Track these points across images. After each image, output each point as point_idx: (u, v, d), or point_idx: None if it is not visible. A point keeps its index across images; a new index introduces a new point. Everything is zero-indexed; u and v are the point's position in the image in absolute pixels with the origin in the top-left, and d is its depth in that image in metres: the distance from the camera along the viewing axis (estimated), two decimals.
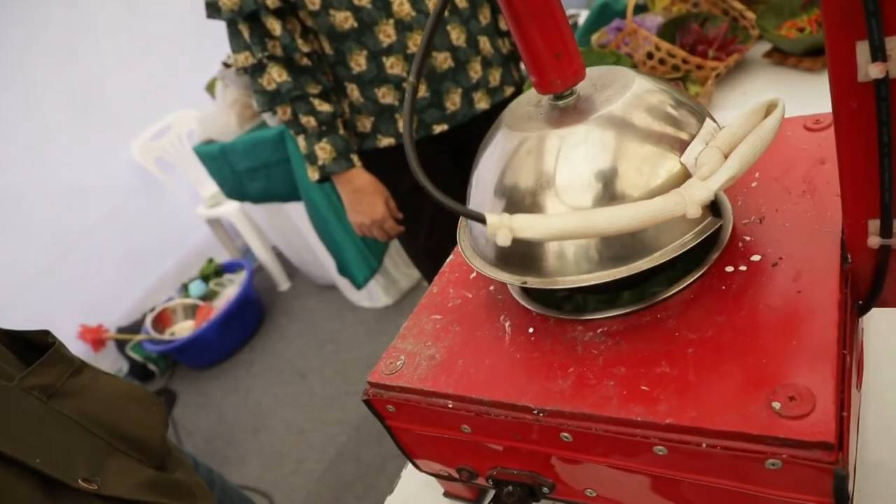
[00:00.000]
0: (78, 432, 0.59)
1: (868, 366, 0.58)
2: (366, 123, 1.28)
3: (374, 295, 2.68)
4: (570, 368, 0.46)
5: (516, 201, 0.47)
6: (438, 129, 1.28)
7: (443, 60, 1.22)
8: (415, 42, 1.20)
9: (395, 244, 2.49)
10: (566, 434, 0.45)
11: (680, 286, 0.48)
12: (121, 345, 3.04)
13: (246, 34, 1.17)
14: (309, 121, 1.22)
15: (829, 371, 0.37)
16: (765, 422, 0.37)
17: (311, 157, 1.26)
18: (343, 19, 1.16)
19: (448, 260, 0.65)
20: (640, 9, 1.46)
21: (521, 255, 0.48)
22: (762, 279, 0.46)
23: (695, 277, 0.48)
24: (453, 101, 1.26)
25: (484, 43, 1.26)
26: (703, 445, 0.39)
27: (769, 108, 0.45)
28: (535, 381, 0.46)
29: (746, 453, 0.37)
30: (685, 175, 0.45)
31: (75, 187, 2.97)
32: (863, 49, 0.33)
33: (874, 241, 0.41)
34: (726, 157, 0.43)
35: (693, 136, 0.46)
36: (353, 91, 1.24)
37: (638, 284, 0.52)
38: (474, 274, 0.60)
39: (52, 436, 0.60)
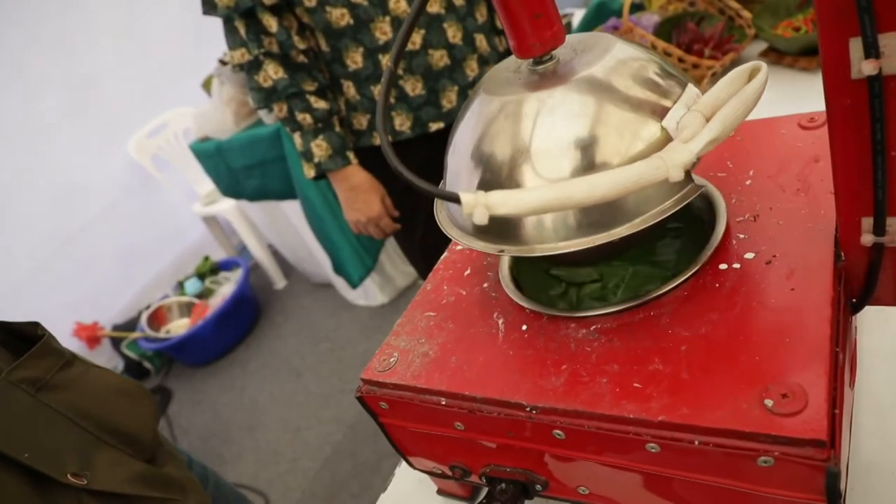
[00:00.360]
0: (67, 426, 0.59)
1: (861, 364, 0.58)
2: (362, 121, 1.28)
3: (370, 293, 2.68)
4: (564, 366, 0.46)
5: (493, 168, 0.46)
6: (435, 126, 1.27)
7: (439, 58, 1.22)
8: (412, 40, 1.20)
9: (392, 242, 2.49)
10: (559, 431, 0.45)
11: (674, 283, 0.47)
12: (116, 342, 3.04)
13: (242, 31, 1.17)
14: (305, 118, 1.22)
15: (822, 369, 0.37)
16: (757, 419, 0.36)
17: (307, 155, 1.26)
18: (339, 16, 1.16)
19: (443, 257, 0.64)
20: (637, 7, 1.46)
21: (499, 225, 0.47)
22: (756, 277, 0.45)
23: (688, 275, 0.48)
24: (449, 99, 1.26)
25: (480, 41, 1.26)
26: (696, 443, 0.39)
27: (752, 73, 0.43)
28: (528, 379, 0.46)
29: (739, 450, 0.37)
30: (666, 140, 0.43)
31: (71, 184, 2.96)
32: (856, 46, 0.33)
33: (867, 238, 0.41)
34: (709, 121, 0.42)
35: (675, 102, 0.45)
36: (350, 88, 1.24)
37: (619, 255, 0.51)
38: (468, 271, 0.60)
39: (41, 430, 0.59)
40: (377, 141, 1.28)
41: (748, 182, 0.55)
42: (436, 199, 0.56)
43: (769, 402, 0.37)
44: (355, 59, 1.20)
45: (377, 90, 1.23)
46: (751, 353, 0.40)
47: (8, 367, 0.62)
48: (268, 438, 2.34)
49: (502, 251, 0.46)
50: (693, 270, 0.48)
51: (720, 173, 0.57)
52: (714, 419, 0.38)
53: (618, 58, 0.46)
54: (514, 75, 0.49)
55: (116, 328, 3.07)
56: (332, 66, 1.23)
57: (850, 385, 0.49)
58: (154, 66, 3.22)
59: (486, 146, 0.47)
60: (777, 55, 1.16)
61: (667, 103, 0.44)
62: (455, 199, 0.39)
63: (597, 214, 0.44)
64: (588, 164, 0.43)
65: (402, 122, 1.27)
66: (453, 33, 1.22)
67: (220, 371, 2.86)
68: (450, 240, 0.66)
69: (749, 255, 0.47)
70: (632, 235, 0.44)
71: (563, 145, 0.43)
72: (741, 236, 0.50)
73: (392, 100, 1.24)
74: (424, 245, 1.46)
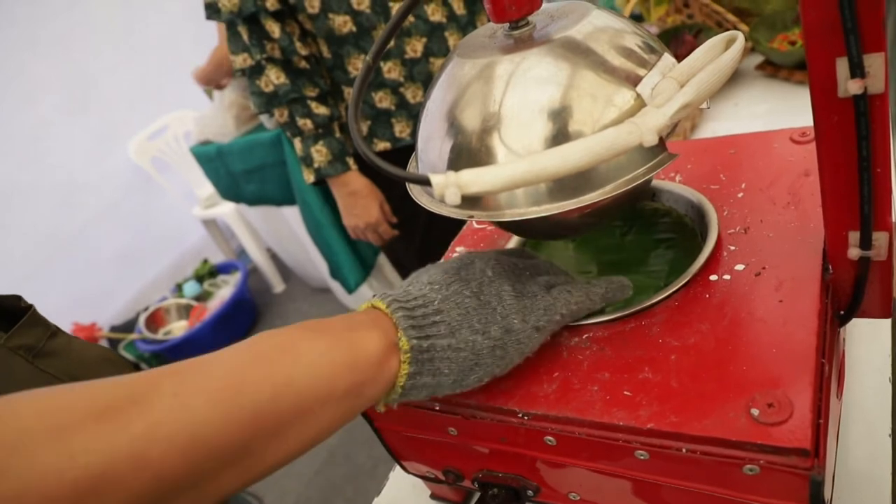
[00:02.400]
0: None
1: (851, 376, 0.59)
2: (362, 127, 1.29)
3: (368, 298, 2.68)
4: (556, 373, 0.47)
5: (465, 132, 0.45)
6: None
7: (441, 67, 1.23)
8: (413, 48, 1.21)
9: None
10: (550, 438, 0.45)
11: (665, 294, 0.48)
12: (114, 343, 3.03)
13: (245, 36, 1.18)
14: (306, 123, 1.23)
15: (808, 379, 0.38)
16: (743, 428, 0.37)
17: (307, 160, 1.27)
18: (342, 23, 1.17)
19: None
20: (635, 18, 1.47)
21: None
22: (745, 288, 0.46)
23: (679, 285, 0.49)
24: None
25: None
26: (683, 450, 0.39)
27: (728, 42, 0.43)
28: (521, 385, 0.47)
29: (725, 458, 0.38)
30: (640, 108, 0.42)
31: (71, 185, 2.97)
32: (842, 65, 0.34)
33: (854, 252, 0.42)
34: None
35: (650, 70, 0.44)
36: (351, 94, 1.25)
37: (593, 226, 0.52)
38: None
39: None
40: (377, 147, 1.29)
41: (740, 195, 0.56)
42: (408, 164, 0.55)
43: (755, 412, 0.38)
44: (357, 66, 1.21)
45: (378, 97, 1.24)
46: (739, 363, 0.41)
47: (4, 336, 0.63)
48: None
49: (472, 216, 0.45)
50: (684, 281, 0.49)
51: (713, 185, 0.58)
52: (701, 427, 0.38)
53: (595, 24, 0.45)
54: (488, 40, 0.48)
55: (114, 329, 3.07)
56: (333, 72, 1.24)
57: (838, 396, 0.50)
58: (155, 68, 3.23)
59: (457, 109, 0.46)
60: (773, 68, 1.17)
61: (642, 72, 0.44)
62: (425, 181, 0.38)
63: (568, 180, 0.42)
64: (560, 128, 0.42)
65: (402, 129, 1.28)
66: (454, 42, 1.23)
67: None
68: (447, 245, 0.67)
69: (739, 267, 0.48)
70: (606, 204, 0.43)
71: (535, 108, 0.43)
72: (732, 248, 0.50)
73: (392, 106, 1.25)
74: (422, 252, 1.47)
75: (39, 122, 2.84)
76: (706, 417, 0.39)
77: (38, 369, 0.63)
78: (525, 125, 0.43)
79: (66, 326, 2.76)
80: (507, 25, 0.47)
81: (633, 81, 0.43)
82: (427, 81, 1.24)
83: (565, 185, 0.43)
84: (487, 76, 0.45)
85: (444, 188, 0.38)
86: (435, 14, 1.21)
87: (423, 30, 1.21)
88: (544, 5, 0.48)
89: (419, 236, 1.45)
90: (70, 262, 2.97)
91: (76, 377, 0.64)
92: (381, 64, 1.21)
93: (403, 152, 1.29)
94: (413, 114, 1.26)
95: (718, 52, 0.43)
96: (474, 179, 0.38)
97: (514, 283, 0.47)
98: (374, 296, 0.45)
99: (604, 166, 0.42)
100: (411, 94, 1.25)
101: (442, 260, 0.65)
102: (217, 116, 2.31)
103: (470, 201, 0.45)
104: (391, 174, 0.40)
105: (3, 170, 2.74)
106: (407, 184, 0.52)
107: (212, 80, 2.04)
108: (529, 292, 0.47)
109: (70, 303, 2.93)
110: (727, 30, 1.26)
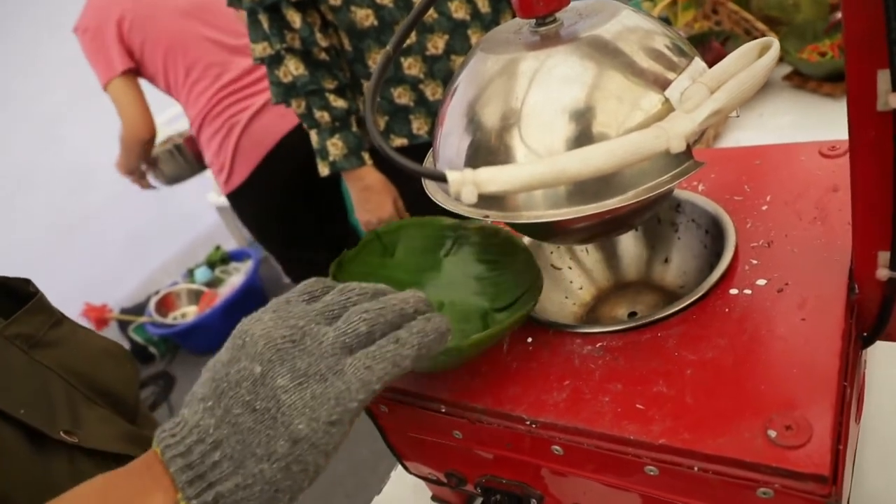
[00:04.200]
0: (58, 383, 0.58)
1: (869, 399, 0.57)
2: (379, 122, 1.28)
3: None
4: (566, 381, 0.46)
5: (485, 129, 0.44)
6: None
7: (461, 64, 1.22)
8: (434, 44, 1.20)
9: None
10: (557, 447, 0.44)
11: (682, 305, 0.47)
12: (123, 326, 3.05)
13: (265, 25, 1.17)
14: (323, 116, 1.22)
15: (829, 402, 0.37)
16: (759, 449, 0.36)
17: (323, 153, 1.26)
18: (364, 16, 1.16)
19: None
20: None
21: None
22: (766, 304, 0.45)
23: (697, 297, 0.47)
24: None
25: None
26: (695, 469, 0.38)
27: (763, 49, 0.41)
28: (530, 392, 0.46)
29: (738, 480, 0.37)
30: (668, 113, 0.40)
31: (86, 167, 2.98)
32: (884, 78, 0.32)
33: (883, 273, 0.40)
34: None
35: (680, 74, 0.43)
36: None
37: (611, 232, 0.50)
38: None
39: (34, 387, 0.59)
40: (394, 143, 1.28)
41: (764, 207, 0.54)
42: (424, 162, 0.54)
43: (772, 433, 0.36)
44: (377, 61, 1.20)
45: (397, 92, 1.23)
46: (757, 382, 0.40)
47: (2, 324, 0.62)
48: None
49: (487, 216, 0.44)
50: (702, 293, 0.47)
51: (736, 196, 0.57)
52: (715, 446, 0.37)
53: (624, 24, 0.43)
54: (514, 35, 0.47)
55: (125, 311, 3.09)
56: (353, 65, 1.23)
57: (856, 420, 0.49)
58: None
59: (478, 105, 0.45)
60: (801, 79, 1.15)
61: (671, 75, 0.42)
62: (441, 177, 0.37)
63: (589, 183, 0.41)
64: (583, 129, 0.41)
65: (419, 126, 1.27)
66: (477, 40, 1.22)
67: None
68: None
69: (761, 282, 0.47)
70: (626, 211, 0.42)
71: (558, 107, 0.41)
72: (754, 262, 0.49)
73: (411, 102, 1.24)
74: None
75: (55, 104, 2.85)
76: (721, 436, 0.38)
77: (34, 360, 0.62)
78: (547, 125, 0.41)
79: (78, 307, 2.78)
80: (533, 21, 0.46)
81: (662, 85, 0.41)
82: (447, 79, 1.22)
83: (585, 188, 0.41)
84: (511, 72, 0.43)
85: (460, 186, 0.36)
86: (458, 11, 1.19)
87: (445, 26, 1.19)
88: (573, 3, 0.47)
89: None
90: (83, 245, 2.99)
91: (73, 369, 0.64)
92: (402, 59, 1.20)
93: (420, 149, 1.28)
94: (432, 111, 1.25)
95: (752, 59, 0.41)
96: (492, 178, 0.36)
97: (292, 367, 0.37)
98: (160, 428, 0.38)
99: (627, 171, 0.40)
100: (430, 91, 1.23)
101: None
102: None
103: (486, 200, 0.44)
104: (407, 168, 0.39)
105: (18, 153, 2.76)
106: (423, 180, 0.51)
107: (132, 167, 1.87)
108: (315, 374, 0.37)
109: (82, 284, 2.94)
110: (755, 38, 1.25)
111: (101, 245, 3.06)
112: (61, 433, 0.58)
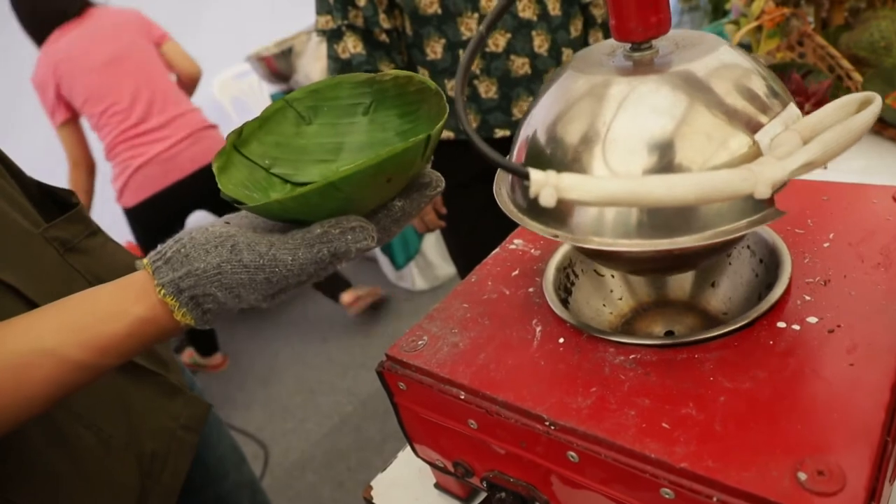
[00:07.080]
0: (83, 287, 0.60)
1: None
2: None
3: (410, 277, 2.68)
4: (593, 388, 0.44)
5: (564, 147, 0.44)
6: (500, 133, 1.25)
7: (520, 65, 1.20)
8: (495, 42, 1.18)
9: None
10: (573, 453, 0.43)
11: (726, 329, 0.45)
12: None
13: None
14: None
15: (868, 454, 0.35)
16: (786, 490, 0.34)
17: None
18: (428, 3, 1.15)
19: (493, 252, 0.63)
20: (744, 48, 1.41)
21: (557, 206, 0.42)
22: (814, 343, 0.43)
23: (742, 323, 0.45)
24: (521, 109, 1.23)
25: (568, 55, 1.23)
26: (714, 499, 0.36)
27: (863, 104, 0.40)
28: (554, 393, 0.45)
29: None
30: (754, 157, 0.39)
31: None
32: None
33: None
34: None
35: (773, 119, 0.42)
36: (424, 76, 1.23)
37: (678, 269, 0.48)
38: (517, 272, 0.59)
39: (62, 286, 0.62)
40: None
41: (826, 245, 0.52)
42: (497, 172, 0.53)
43: (802, 476, 0.34)
44: (435, 50, 1.19)
45: (450, 85, 1.22)
46: (793, 420, 0.38)
47: (44, 226, 0.66)
48: (280, 394, 2.37)
49: (556, 236, 0.44)
50: (748, 321, 0.45)
51: (798, 229, 0.54)
52: (739, 479, 0.36)
53: (721, 60, 0.43)
54: (606, 57, 0.46)
55: None
56: (411, 50, 1.22)
57: (891, 481, 0.46)
58: (248, 10, 3.29)
59: (561, 122, 0.44)
60: (881, 125, 1.10)
61: (763, 119, 0.41)
62: (524, 174, 0.36)
63: (663, 216, 0.40)
64: (666, 163, 0.40)
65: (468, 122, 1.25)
66: (540, 42, 1.19)
67: (249, 319, 2.91)
68: (493, 243, 0.65)
69: (812, 319, 0.45)
70: (696, 252, 0.41)
71: (644, 135, 0.41)
72: (807, 298, 0.47)
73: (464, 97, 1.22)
74: (467, 245, 1.44)
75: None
76: (746, 470, 0.36)
77: (67, 263, 0.66)
78: (630, 151, 0.41)
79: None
80: (628, 45, 0.45)
81: (753, 127, 0.41)
82: (503, 78, 1.20)
83: (657, 222, 0.41)
84: (600, 94, 0.43)
85: (541, 186, 0.36)
86: (525, 10, 1.17)
87: (509, 25, 1.17)
88: (672, 31, 0.46)
89: (465, 232, 1.41)
90: None
91: (99, 277, 0.67)
92: (460, 52, 1.18)
93: (464, 145, 1.26)
94: (483, 108, 1.23)
95: (849, 112, 0.39)
96: (574, 185, 0.36)
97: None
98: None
99: (703, 210, 0.40)
100: (484, 88, 1.22)
101: (497, 249, 0.63)
102: (304, 67, 2.32)
103: (557, 220, 0.44)
104: (491, 159, 0.38)
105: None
106: (495, 188, 0.52)
107: (79, 189, 2.10)
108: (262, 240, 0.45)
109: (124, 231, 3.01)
110: (839, 76, 1.20)
111: None
112: None
